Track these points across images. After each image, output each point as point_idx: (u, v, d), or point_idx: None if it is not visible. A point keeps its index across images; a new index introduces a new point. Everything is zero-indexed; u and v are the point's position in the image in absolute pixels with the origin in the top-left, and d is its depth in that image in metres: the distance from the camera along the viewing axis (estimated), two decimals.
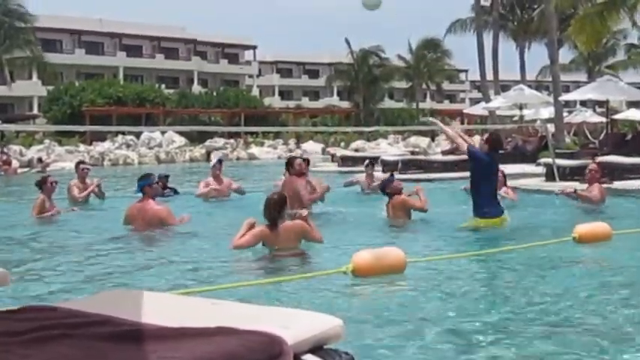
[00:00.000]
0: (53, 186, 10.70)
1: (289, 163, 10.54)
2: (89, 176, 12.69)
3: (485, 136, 9.21)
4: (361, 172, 15.37)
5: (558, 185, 14.67)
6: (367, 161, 15.39)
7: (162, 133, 37.45)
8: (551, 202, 12.22)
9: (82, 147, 35.38)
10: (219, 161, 13.98)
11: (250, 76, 73.66)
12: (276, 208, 7.26)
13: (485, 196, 8.48)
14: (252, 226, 7.32)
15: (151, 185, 9.23)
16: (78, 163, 13.28)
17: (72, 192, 12.18)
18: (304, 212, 7.73)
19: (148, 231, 8.90)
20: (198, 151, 36.34)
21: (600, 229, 7.58)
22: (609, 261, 7.02)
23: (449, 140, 8.50)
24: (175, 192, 13.79)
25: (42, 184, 10.58)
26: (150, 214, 8.99)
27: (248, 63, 74.90)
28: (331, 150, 34.72)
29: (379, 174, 17.40)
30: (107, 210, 11.60)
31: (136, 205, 9.17)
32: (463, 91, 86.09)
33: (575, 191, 10.59)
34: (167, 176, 14.15)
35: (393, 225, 9.43)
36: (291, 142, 42.17)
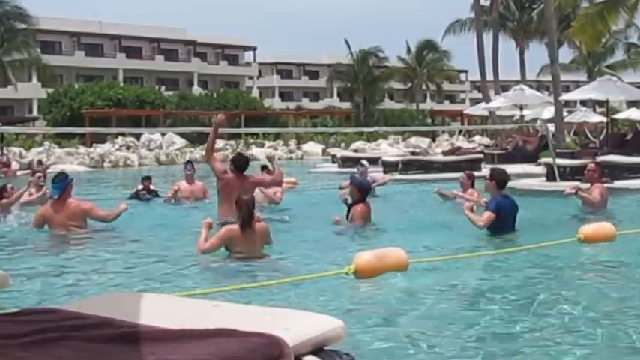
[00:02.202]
0: (14, 190, 10.85)
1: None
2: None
3: (487, 174, 9.06)
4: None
5: (559, 185, 14.68)
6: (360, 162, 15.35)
7: (163, 134, 37.46)
8: (552, 202, 12.22)
9: (81, 149, 35.38)
10: (189, 162, 13.93)
11: (250, 78, 73.69)
12: (251, 208, 7.17)
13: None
14: (210, 226, 7.24)
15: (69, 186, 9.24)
16: (33, 172, 13.10)
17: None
18: (261, 216, 7.65)
19: (143, 233, 8.99)
20: (199, 152, 36.33)
21: (605, 230, 7.55)
22: (614, 261, 7.00)
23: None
24: (156, 195, 13.75)
25: (2, 193, 10.66)
26: (71, 208, 9.05)
27: (248, 64, 74.94)
28: (332, 151, 34.74)
29: (379, 175, 17.40)
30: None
31: (53, 205, 9.13)
32: (463, 91, 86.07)
33: (577, 192, 10.44)
34: (149, 178, 14.20)
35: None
36: (292, 143, 42.19)
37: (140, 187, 13.72)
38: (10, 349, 2.15)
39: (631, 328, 4.64)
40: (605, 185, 11.09)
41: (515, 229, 8.45)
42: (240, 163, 9.61)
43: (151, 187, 13.84)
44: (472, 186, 11.53)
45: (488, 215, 8.23)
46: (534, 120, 32.35)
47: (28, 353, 2.12)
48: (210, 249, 7.08)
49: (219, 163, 10.04)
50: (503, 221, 8.27)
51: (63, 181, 9.17)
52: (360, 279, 5.73)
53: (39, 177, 12.35)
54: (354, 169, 20.34)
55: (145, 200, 13.12)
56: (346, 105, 65.66)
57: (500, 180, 8.51)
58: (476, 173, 16.88)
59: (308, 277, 5.99)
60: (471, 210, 8.42)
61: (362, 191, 9.43)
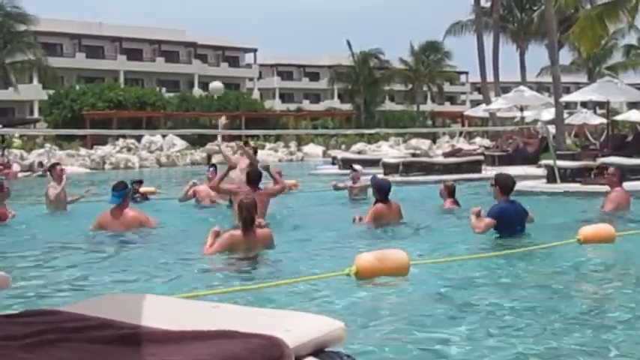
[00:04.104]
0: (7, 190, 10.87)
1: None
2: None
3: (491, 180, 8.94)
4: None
5: (560, 187, 14.66)
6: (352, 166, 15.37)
7: (163, 136, 37.47)
8: (553, 204, 12.21)
9: (82, 151, 35.37)
10: (213, 165, 14.02)
11: (251, 79, 73.67)
12: (253, 211, 7.23)
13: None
14: (217, 234, 7.31)
15: (128, 195, 9.65)
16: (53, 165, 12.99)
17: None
18: (263, 221, 7.69)
19: (147, 235, 9.03)
20: (199, 154, 36.36)
21: (604, 231, 7.55)
22: (613, 262, 7.00)
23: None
24: (146, 199, 13.88)
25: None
26: (128, 218, 9.30)
27: (248, 66, 74.93)
28: (332, 152, 34.73)
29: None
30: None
31: (111, 211, 9.32)
32: (464, 93, 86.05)
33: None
34: (141, 181, 14.35)
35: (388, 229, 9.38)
36: (292, 144, 42.17)
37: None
38: (10, 350, 2.15)
39: (633, 330, 4.65)
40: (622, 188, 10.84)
41: (523, 233, 8.39)
42: (255, 177, 10.12)
43: (141, 190, 13.99)
44: (451, 196, 11.33)
45: (486, 222, 8.22)
46: (535, 121, 32.34)
47: (28, 355, 2.12)
48: (214, 253, 7.16)
49: (230, 185, 10.47)
50: (506, 227, 8.24)
51: (123, 190, 9.40)
52: (362, 280, 5.74)
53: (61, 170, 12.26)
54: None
55: (135, 203, 13.25)
56: (347, 106, 65.67)
57: (504, 185, 8.46)
58: (475, 175, 16.87)
59: (309, 278, 5.99)
60: (477, 215, 8.40)
61: (380, 191, 9.73)
